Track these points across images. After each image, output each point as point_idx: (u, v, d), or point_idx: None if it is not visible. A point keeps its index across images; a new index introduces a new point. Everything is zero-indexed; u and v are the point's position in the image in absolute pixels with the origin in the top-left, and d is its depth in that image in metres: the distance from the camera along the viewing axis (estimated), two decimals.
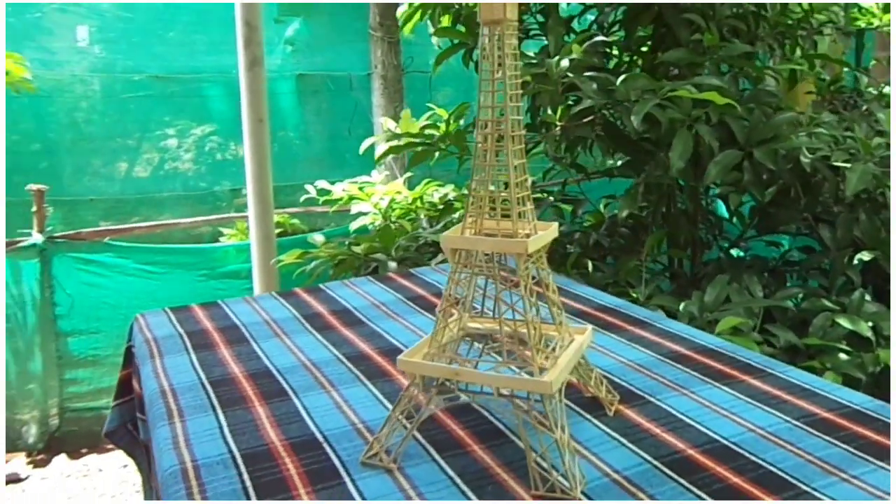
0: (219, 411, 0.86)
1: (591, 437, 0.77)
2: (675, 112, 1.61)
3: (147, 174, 3.81)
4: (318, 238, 2.03)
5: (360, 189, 2.53)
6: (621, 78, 1.63)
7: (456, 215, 2.27)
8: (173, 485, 0.72)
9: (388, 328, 1.13)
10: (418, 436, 0.79)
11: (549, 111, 1.74)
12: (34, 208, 2.43)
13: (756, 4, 1.99)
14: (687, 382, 0.89)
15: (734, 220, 2.16)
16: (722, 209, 2.28)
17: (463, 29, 2.03)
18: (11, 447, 2.50)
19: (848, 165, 1.48)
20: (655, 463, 0.71)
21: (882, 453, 0.71)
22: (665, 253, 2.06)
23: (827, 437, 0.75)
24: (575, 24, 2.06)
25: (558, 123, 1.86)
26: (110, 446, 2.36)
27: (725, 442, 0.74)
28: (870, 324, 1.47)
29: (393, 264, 1.63)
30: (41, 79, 3.27)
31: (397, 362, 0.74)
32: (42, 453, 2.51)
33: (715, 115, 1.67)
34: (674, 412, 0.82)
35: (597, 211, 2.34)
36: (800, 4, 2.08)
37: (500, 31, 0.71)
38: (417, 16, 2.18)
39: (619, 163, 2.07)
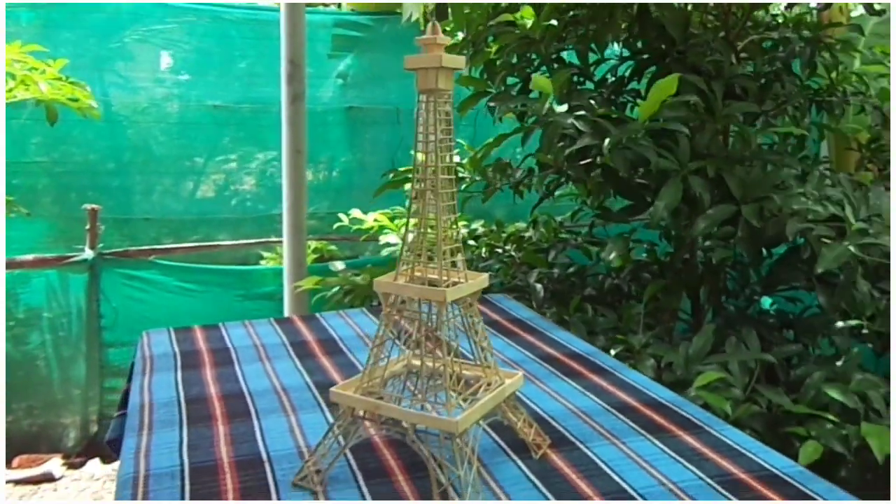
0: (184, 427, 0.95)
1: (508, 478, 0.82)
2: (669, 162, 1.64)
3: (210, 195, 4.04)
4: (338, 265, 2.13)
5: (391, 219, 2.63)
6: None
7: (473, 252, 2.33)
8: (123, 490, 0.80)
9: (364, 359, 1.20)
10: (353, 462, 0.85)
11: (543, 153, 1.80)
12: (87, 225, 2.61)
13: (782, 70, 2.02)
14: (622, 432, 0.93)
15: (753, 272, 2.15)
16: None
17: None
18: (52, 448, 2.66)
19: (828, 242, 1.49)
20: None
21: None
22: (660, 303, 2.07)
23: (731, 497, 0.77)
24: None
25: (552, 164, 1.92)
26: None
27: (632, 493, 0.78)
28: (857, 391, 1.45)
29: None
30: (119, 104, 3.54)
31: (330, 393, 0.81)
32: (79, 456, 2.66)
33: (713, 168, 1.70)
34: (596, 460, 0.86)
35: (626, 254, 2.37)
36: (828, 74, 2.12)
37: (434, 98, 0.78)
38: None
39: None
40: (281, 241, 3.23)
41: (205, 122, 3.79)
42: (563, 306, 1.93)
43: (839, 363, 1.52)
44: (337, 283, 1.80)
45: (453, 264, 0.82)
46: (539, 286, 1.94)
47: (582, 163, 1.82)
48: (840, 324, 1.66)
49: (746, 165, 1.84)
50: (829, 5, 2.50)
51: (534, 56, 1.95)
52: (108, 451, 1.42)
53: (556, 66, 1.95)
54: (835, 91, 2.21)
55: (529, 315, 1.47)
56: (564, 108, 1.72)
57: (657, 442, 0.90)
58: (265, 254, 3.21)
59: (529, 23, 1.90)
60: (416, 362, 0.88)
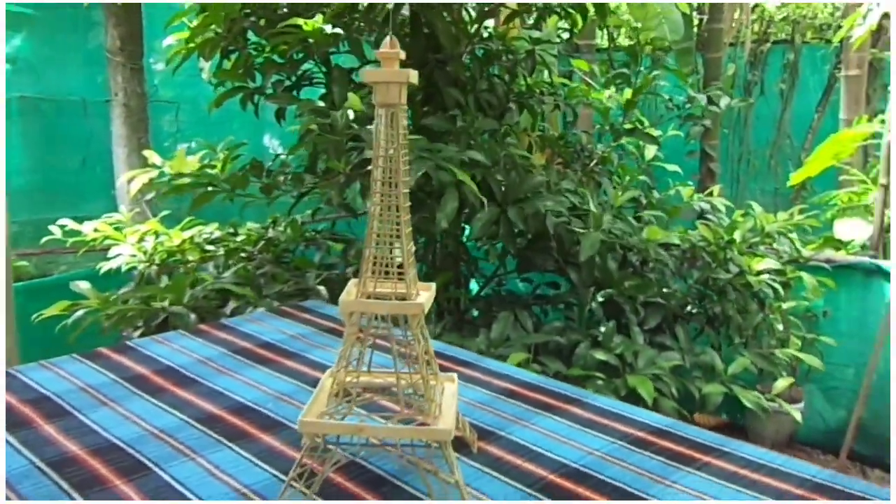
0: (76, 497, 0.79)
1: (467, 474, 0.86)
2: (447, 174, 1.79)
3: None
4: (83, 286, 1.84)
5: (117, 229, 2.36)
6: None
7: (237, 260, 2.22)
8: None
9: (226, 385, 1.11)
10: (306, 492, 0.81)
11: (335, 160, 1.81)
12: None
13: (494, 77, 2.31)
14: (525, 416, 1.03)
15: (491, 260, 2.43)
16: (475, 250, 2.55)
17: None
18: None
19: (583, 231, 1.80)
20: (529, 491, 0.83)
21: (685, 460, 0.91)
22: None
23: (645, 453, 0.93)
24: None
25: (342, 171, 1.95)
26: None
27: (576, 466, 0.89)
28: (617, 353, 1.77)
29: (193, 316, 1.56)
30: None
31: (299, 424, 0.77)
32: None
33: (480, 175, 1.90)
34: (525, 444, 0.94)
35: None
36: (525, 79, 2.48)
37: (394, 113, 0.78)
38: (186, 51, 2.12)
39: None
40: None
41: None
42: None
43: (597, 332, 1.84)
44: (112, 309, 1.57)
45: (400, 276, 0.83)
46: (322, 288, 1.94)
47: (367, 169, 1.87)
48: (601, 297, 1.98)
49: (501, 168, 2.08)
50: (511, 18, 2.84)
51: (303, 56, 1.93)
52: None
53: (324, 69, 1.96)
54: (533, 93, 2.58)
55: None
56: (351, 115, 1.75)
57: (558, 418, 1.02)
58: None
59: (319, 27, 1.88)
60: (349, 379, 0.87)
